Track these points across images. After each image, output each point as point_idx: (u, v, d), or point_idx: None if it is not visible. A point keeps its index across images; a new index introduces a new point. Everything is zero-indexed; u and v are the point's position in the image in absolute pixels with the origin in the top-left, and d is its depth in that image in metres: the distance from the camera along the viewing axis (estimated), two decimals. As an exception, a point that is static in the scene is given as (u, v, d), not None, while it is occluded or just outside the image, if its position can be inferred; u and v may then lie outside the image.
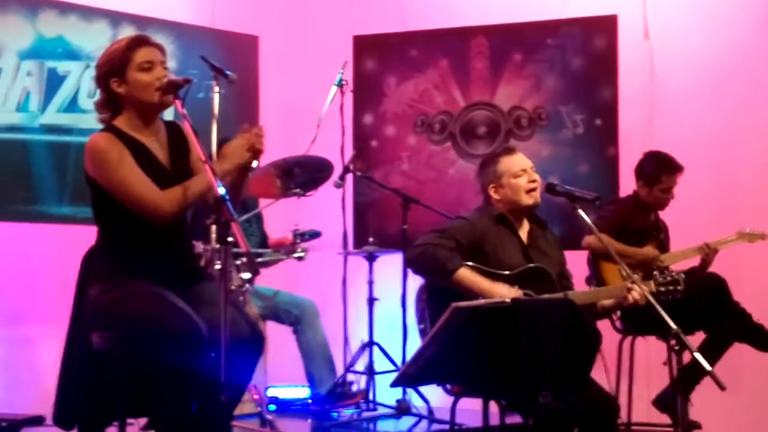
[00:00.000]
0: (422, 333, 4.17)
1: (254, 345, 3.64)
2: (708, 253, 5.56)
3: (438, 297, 4.11)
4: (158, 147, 3.80)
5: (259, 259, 5.28)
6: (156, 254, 3.70)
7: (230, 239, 3.35)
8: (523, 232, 4.40)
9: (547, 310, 3.61)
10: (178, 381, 3.45)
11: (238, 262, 4.94)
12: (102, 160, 3.64)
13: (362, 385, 5.75)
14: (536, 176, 4.37)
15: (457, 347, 3.49)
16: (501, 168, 4.37)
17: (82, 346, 3.67)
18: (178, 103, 3.64)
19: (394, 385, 3.74)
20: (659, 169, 5.60)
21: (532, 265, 4.27)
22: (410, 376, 3.64)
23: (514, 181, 4.34)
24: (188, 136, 3.80)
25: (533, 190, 4.34)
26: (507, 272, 4.19)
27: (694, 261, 5.65)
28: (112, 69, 3.72)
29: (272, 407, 5.76)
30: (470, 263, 4.16)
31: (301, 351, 5.74)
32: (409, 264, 4.29)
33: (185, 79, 3.70)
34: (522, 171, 4.35)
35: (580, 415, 3.80)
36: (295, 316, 5.71)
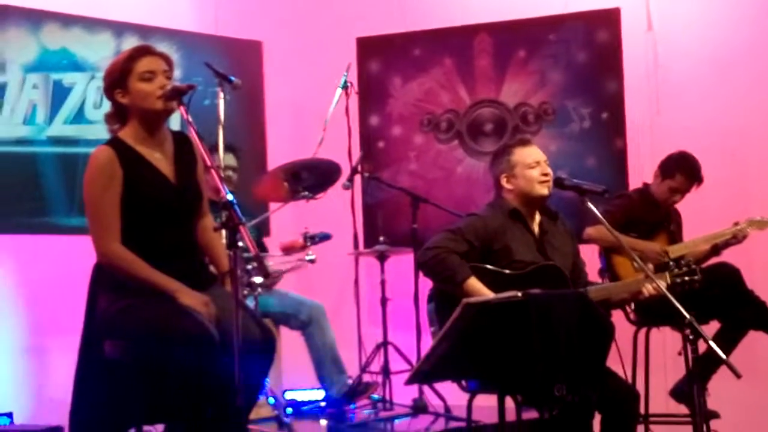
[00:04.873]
0: (434, 336, 4.15)
1: (266, 348, 3.62)
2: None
3: (448, 297, 4.09)
4: (162, 159, 3.76)
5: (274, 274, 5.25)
6: (166, 262, 3.68)
7: (240, 243, 3.35)
8: (535, 225, 4.37)
9: (559, 302, 3.61)
10: (192, 386, 3.45)
11: (250, 267, 4.94)
12: (91, 176, 3.65)
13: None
14: (549, 170, 4.34)
15: (469, 343, 3.49)
16: (515, 158, 4.34)
17: (96, 355, 3.68)
18: (182, 109, 3.62)
19: (408, 382, 3.75)
20: (679, 167, 5.59)
21: (543, 263, 4.23)
22: (424, 373, 3.65)
23: (528, 172, 4.31)
24: (196, 147, 3.77)
25: (546, 182, 4.32)
26: (518, 272, 4.17)
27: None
28: (115, 80, 3.71)
29: (289, 410, 5.75)
30: (481, 265, 4.14)
31: (311, 355, 5.70)
32: (419, 267, 4.28)
33: (189, 85, 3.66)
34: (536, 163, 4.32)
35: (602, 405, 3.81)
36: (302, 321, 5.67)
